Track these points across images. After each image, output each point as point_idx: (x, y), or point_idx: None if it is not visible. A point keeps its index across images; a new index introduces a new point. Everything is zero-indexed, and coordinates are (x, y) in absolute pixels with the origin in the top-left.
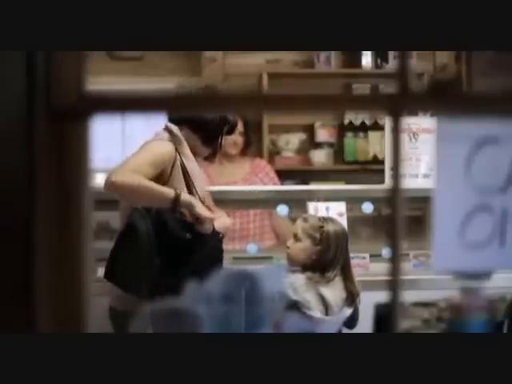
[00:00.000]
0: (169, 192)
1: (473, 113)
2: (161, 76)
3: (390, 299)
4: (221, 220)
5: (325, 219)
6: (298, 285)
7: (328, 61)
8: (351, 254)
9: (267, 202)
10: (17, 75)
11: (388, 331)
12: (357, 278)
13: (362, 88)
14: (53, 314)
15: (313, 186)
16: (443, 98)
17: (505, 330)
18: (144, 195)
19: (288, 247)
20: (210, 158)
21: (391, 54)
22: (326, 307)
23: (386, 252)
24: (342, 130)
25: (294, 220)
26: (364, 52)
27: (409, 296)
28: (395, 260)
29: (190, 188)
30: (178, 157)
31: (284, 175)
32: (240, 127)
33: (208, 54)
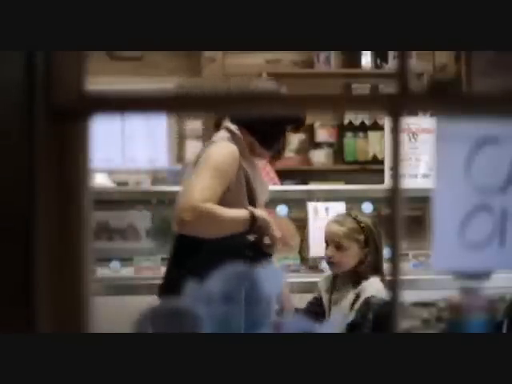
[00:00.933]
0: (244, 215)
1: (472, 113)
2: (161, 76)
3: (390, 299)
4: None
5: (354, 216)
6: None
7: (328, 61)
8: None
9: (268, 201)
10: (17, 75)
11: (388, 331)
12: None
13: (361, 88)
14: (53, 314)
15: (312, 186)
16: (443, 98)
17: (504, 330)
18: (221, 227)
19: (330, 257)
20: (274, 159)
21: (391, 54)
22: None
23: (385, 252)
24: (342, 130)
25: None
26: (364, 52)
27: (408, 296)
28: (395, 260)
29: (252, 196)
30: (241, 161)
31: (284, 175)
32: None
33: (208, 54)
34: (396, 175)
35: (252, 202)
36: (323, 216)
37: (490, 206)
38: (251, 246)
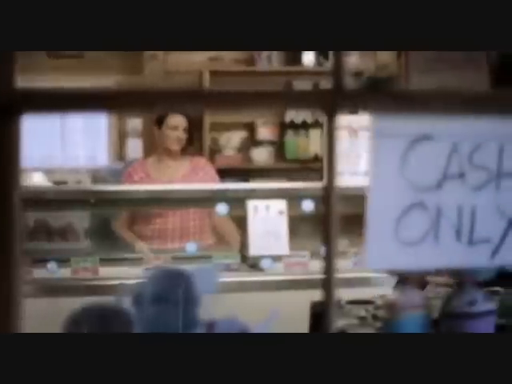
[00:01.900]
0: None
1: (408, 110)
2: (102, 74)
3: (324, 298)
4: None
5: None
6: None
7: (269, 59)
8: (291, 253)
9: (207, 200)
10: None
11: (323, 330)
12: (296, 277)
13: (303, 86)
14: None
15: (253, 184)
16: (377, 96)
17: (440, 328)
18: None
19: None
20: None
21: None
22: None
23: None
24: (283, 128)
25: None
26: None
27: (348, 294)
28: (329, 258)
29: None
30: None
31: (225, 173)
32: (184, 123)
33: (149, 51)
34: (330, 173)
35: None
36: (263, 214)
37: (424, 203)
38: None
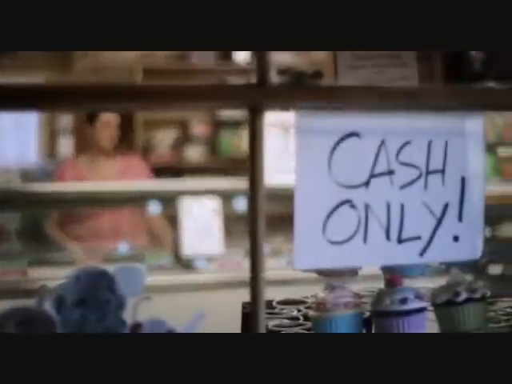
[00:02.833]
0: None
1: (334, 107)
2: (31, 70)
3: (251, 298)
4: None
5: None
6: None
7: (202, 55)
8: (225, 251)
9: (140, 199)
10: None
11: (251, 331)
12: (230, 277)
13: (236, 83)
14: None
15: (185, 182)
16: (303, 92)
17: (372, 327)
18: None
19: None
20: None
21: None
22: None
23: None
24: (218, 126)
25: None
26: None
27: (279, 293)
28: (256, 257)
29: None
30: None
31: (158, 172)
32: (116, 120)
33: None
34: (253, 171)
35: None
36: (196, 212)
37: (353, 202)
38: None
